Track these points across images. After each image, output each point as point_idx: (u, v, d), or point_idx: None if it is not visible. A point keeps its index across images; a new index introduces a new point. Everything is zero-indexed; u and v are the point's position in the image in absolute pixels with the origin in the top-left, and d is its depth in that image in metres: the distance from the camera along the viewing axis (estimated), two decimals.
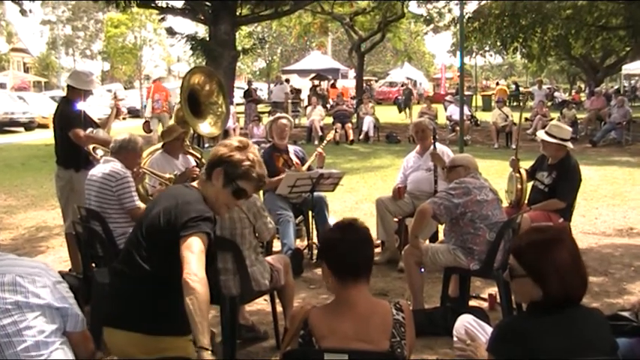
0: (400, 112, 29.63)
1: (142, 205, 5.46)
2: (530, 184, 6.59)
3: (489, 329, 3.21)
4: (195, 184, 3.31)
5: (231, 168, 3.17)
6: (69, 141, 6.24)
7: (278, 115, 7.60)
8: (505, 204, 6.13)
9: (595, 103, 22.26)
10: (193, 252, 2.91)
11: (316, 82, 36.15)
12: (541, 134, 6.43)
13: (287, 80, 30.94)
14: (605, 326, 2.71)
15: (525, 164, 6.90)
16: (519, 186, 6.44)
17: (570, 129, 6.96)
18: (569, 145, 6.31)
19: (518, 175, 6.50)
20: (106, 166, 5.37)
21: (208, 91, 6.60)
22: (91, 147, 6.15)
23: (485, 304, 5.59)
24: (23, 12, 17.57)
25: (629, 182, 12.00)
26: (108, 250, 5.03)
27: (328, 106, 27.37)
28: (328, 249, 2.93)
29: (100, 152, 6.09)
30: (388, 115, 27.68)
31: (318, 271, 6.66)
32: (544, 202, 6.17)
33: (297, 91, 29.69)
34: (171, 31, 19.32)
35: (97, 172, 5.39)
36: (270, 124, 7.33)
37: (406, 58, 46.00)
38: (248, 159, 3.20)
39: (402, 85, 37.73)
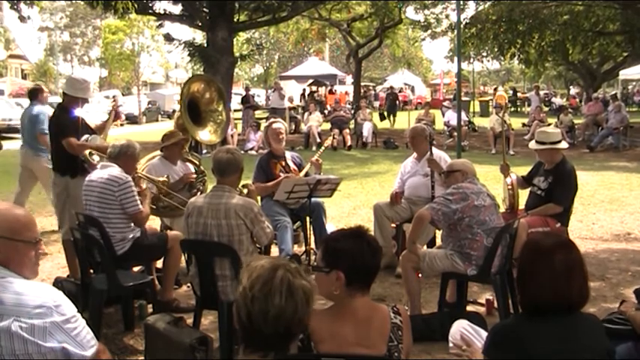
0: (383, 120, 27.70)
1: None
2: (524, 190, 6.62)
3: (485, 334, 3.22)
4: None
5: None
6: (64, 148, 6.21)
7: (272, 120, 7.59)
8: (502, 209, 6.14)
9: (592, 108, 22.30)
10: None
11: (314, 88, 36.19)
12: (532, 145, 6.46)
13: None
14: (601, 331, 2.72)
15: (522, 169, 6.90)
16: (511, 191, 6.46)
17: (558, 130, 7.02)
18: (562, 145, 6.33)
19: (509, 181, 6.54)
20: (105, 172, 5.37)
21: (208, 99, 6.62)
22: (87, 152, 6.14)
23: (482, 309, 5.59)
24: (22, 18, 17.53)
25: (627, 187, 12.01)
26: (106, 256, 5.04)
27: (326, 112, 27.36)
28: (349, 258, 2.85)
29: (96, 158, 6.10)
30: (385, 120, 27.68)
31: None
32: (541, 207, 6.18)
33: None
34: (168, 38, 19.34)
35: (96, 177, 5.39)
36: (265, 130, 7.33)
37: (405, 65, 46.09)
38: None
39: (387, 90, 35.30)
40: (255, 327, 2.19)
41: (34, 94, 8.98)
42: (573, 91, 48.94)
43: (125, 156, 5.50)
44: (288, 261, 2.31)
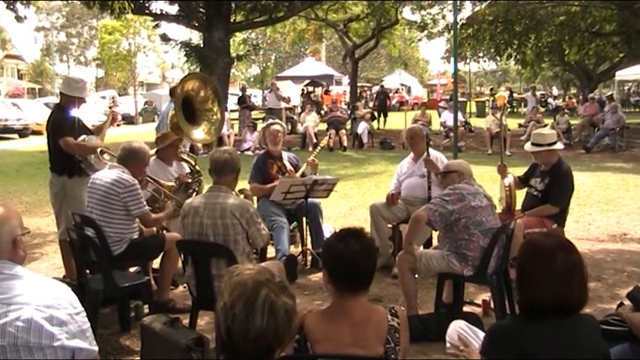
0: (373, 120, 25.61)
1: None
2: (521, 191, 6.62)
3: (482, 334, 3.21)
4: None
5: None
6: (61, 148, 6.21)
7: (271, 121, 7.61)
8: (499, 210, 6.14)
9: (588, 109, 22.34)
10: None
11: (310, 89, 36.18)
12: (528, 147, 6.46)
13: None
14: (598, 332, 2.72)
15: (519, 170, 6.88)
16: (508, 192, 6.47)
17: (554, 131, 7.02)
18: (558, 146, 6.34)
19: (506, 182, 6.54)
20: (112, 172, 5.36)
21: (203, 97, 6.59)
22: (99, 150, 6.15)
23: (479, 310, 5.60)
24: (19, 18, 17.51)
25: (623, 188, 12.03)
26: (102, 257, 5.03)
27: (322, 112, 27.30)
28: (329, 259, 2.91)
29: (106, 157, 6.11)
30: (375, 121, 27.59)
31: (312, 277, 6.66)
32: (537, 207, 6.19)
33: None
34: (165, 38, 19.30)
35: (101, 176, 5.38)
36: (263, 131, 7.35)
37: (402, 66, 46.08)
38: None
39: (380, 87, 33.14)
40: (234, 343, 2.14)
41: (173, 93, 9.40)
42: (556, 91, 48.90)
43: (134, 159, 5.49)
44: (273, 275, 2.23)
